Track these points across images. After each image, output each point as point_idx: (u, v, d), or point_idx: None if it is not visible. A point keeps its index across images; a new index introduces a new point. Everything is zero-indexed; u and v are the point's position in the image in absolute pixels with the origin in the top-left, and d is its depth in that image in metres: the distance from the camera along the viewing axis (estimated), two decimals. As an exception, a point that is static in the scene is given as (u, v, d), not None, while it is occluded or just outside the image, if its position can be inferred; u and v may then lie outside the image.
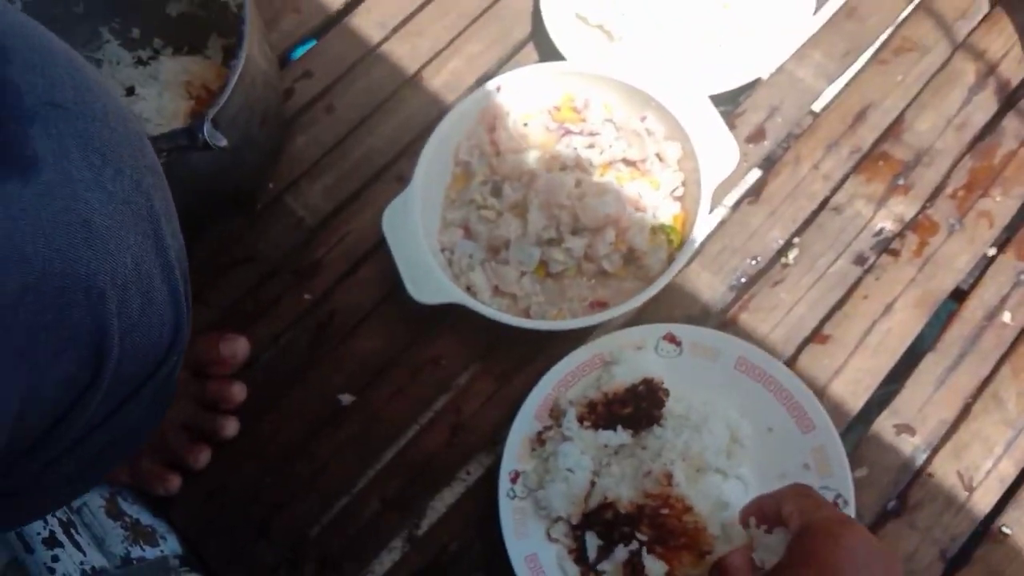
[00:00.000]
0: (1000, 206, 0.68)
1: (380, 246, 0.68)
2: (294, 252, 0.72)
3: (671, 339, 0.62)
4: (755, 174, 0.71)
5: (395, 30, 0.80)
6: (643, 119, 0.66)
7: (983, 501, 0.59)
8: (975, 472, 0.60)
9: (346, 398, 0.67)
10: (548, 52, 0.75)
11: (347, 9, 0.82)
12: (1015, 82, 0.72)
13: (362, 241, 0.71)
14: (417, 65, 0.79)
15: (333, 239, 0.72)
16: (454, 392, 0.67)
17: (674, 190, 0.65)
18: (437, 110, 0.76)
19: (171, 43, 0.79)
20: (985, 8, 0.75)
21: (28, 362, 0.26)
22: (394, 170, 0.75)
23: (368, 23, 0.81)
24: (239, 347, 0.66)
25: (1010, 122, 0.71)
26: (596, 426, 0.59)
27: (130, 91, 0.77)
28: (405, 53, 0.79)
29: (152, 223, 0.30)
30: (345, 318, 0.69)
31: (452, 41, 0.79)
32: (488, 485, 0.62)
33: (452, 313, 0.64)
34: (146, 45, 0.78)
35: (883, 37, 0.75)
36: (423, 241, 0.63)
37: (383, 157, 0.75)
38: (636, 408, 0.59)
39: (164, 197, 0.31)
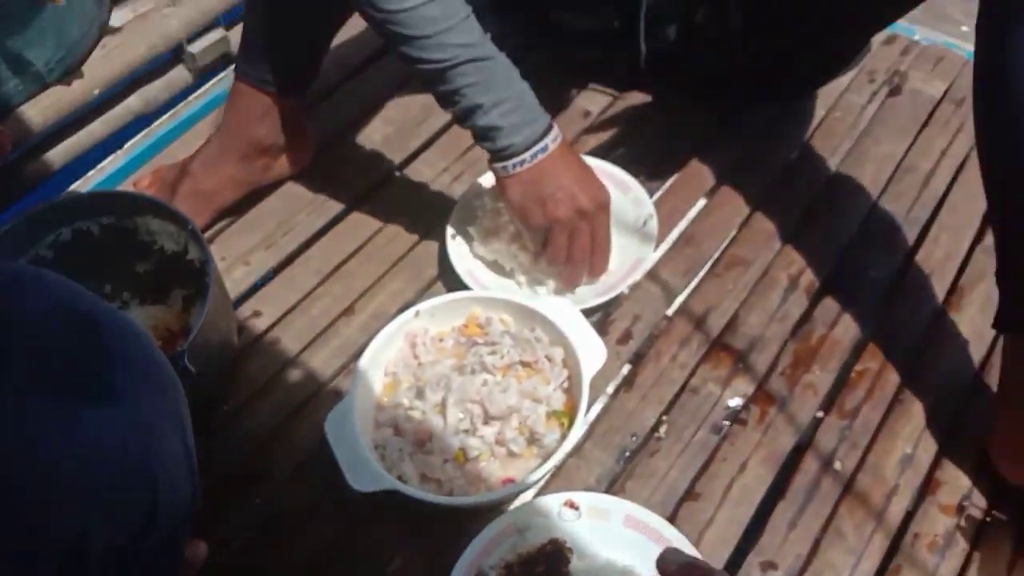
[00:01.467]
0: (820, 379, 0.86)
1: (322, 450, 0.80)
2: (246, 462, 0.83)
3: (571, 505, 0.74)
4: (627, 367, 0.88)
5: (329, 275, 0.98)
6: (533, 330, 0.83)
7: (839, 619, 0.71)
8: (829, 595, 0.72)
9: (295, 589, 0.76)
10: (454, 284, 0.93)
11: (288, 260, 1.00)
12: (817, 284, 0.93)
13: (306, 447, 0.83)
14: (349, 301, 0.95)
15: (280, 447, 0.84)
16: (391, 573, 0.76)
17: (562, 383, 0.81)
18: (367, 336, 0.91)
19: (137, 295, 0.93)
20: (792, 230, 0.98)
21: (117, 517, 0.39)
22: (333, 386, 0.88)
23: (307, 271, 0.98)
24: (198, 551, 0.74)
25: (819, 312, 0.91)
26: (514, 585, 0.70)
27: (102, 337, 0.90)
28: (339, 292, 0.96)
29: (183, 429, 0.44)
30: (292, 516, 0.80)
31: (378, 280, 0.97)
32: (426, 655, 0.71)
33: (387, 501, 0.75)
34: (116, 298, 0.93)
35: (715, 256, 0.97)
36: (361, 439, 0.76)
37: (323, 376, 0.89)
38: (546, 567, 0.70)
39: (186, 409, 0.46)
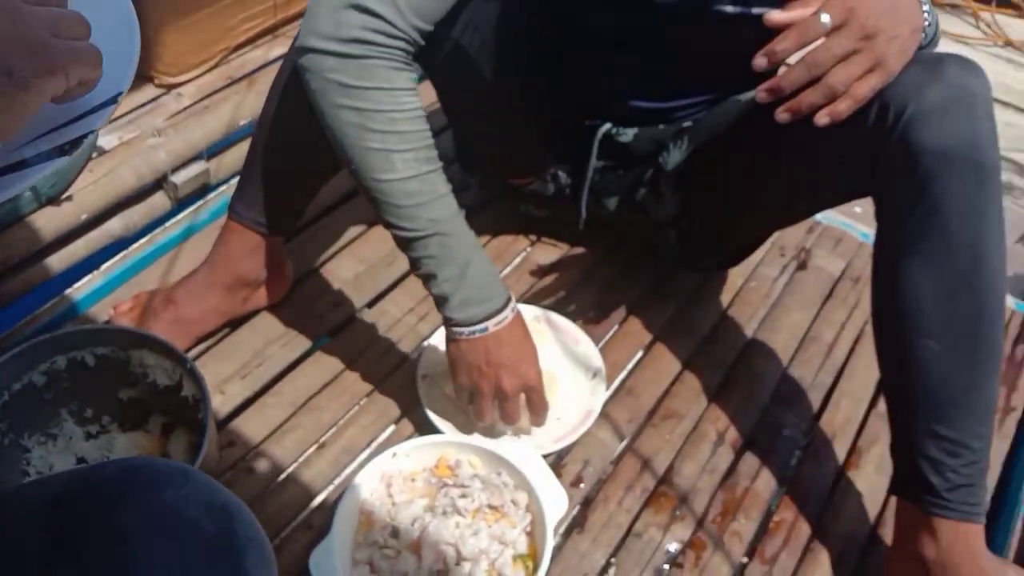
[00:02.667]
0: (744, 527, 0.98)
1: (300, 584, 0.86)
2: (222, 593, 0.87)
3: (534, 643, 0.82)
4: (578, 509, 0.98)
5: (301, 407, 1.04)
6: (499, 474, 0.93)
7: None
8: None
9: None
10: (421, 422, 1.02)
11: (262, 390, 1.06)
12: (741, 440, 1.07)
13: (283, 580, 0.88)
14: (319, 434, 1.02)
15: (258, 580, 0.88)
16: None
17: (525, 527, 0.90)
18: (337, 469, 0.98)
19: (117, 420, 0.97)
20: (717, 388, 1.12)
21: None
22: (304, 519, 0.94)
23: (280, 402, 1.04)
24: None
25: (743, 466, 1.04)
26: None
27: (81, 461, 0.93)
28: (311, 425, 1.03)
29: None
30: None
31: (347, 414, 1.04)
32: None
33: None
34: (95, 422, 0.97)
35: (652, 407, 1.09)
36: (343, 577, 0.82)
37: (294, 510, 0.94)
38: None
39: None
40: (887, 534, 0.98)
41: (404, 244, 0.90)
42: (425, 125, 0.87)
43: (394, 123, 0.84)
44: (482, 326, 0.91)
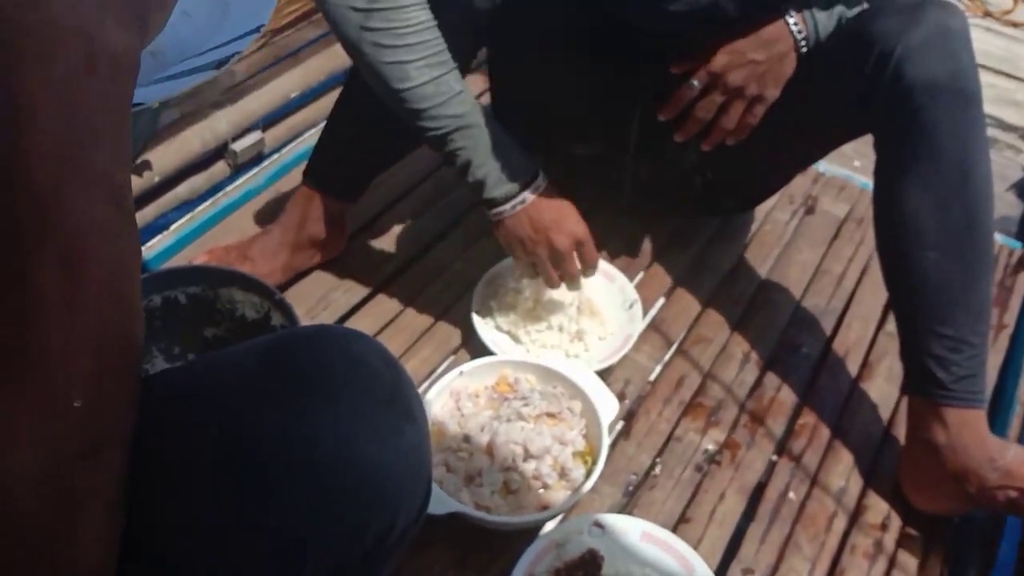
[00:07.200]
0: (772, 430, 1.10)
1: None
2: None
3: (598, 525, 0.93)
4: (622, 423, 1.09)
5: (367, 342, 1.15)
6: (555, 387, 1.03)
7: (804, 610, 0.92)
8: (795, 592, 0.94)
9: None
10: (477, 351, 1.12)
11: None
12: (764, 359, 1.19)
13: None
14: (385, 365, 1.12)
15: (347, 484, 0.99)
16: (448, 586, 0.92)
17: (581, 429, 1.01)
18: (405, 394, 1.09)
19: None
20: (739, 318, 1.24)
21: (411, 508, 0.55)
22: (380, 436, 1.05)
23: (348, 338, 1.15)
24: None
25: (767, 380, 1.16)
26: (561, 586, 0.87)
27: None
28: (377, 357, 1.13)
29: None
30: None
31: (408, 348, 1.15)
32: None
33: (438, 530, 0.91)
34: (183, 358, 1.07)
35: (683, 334, 1.21)
36: (427, 473, 0.93)
37: (372, 427, 1.05)
38: (585, 571, 0.89)
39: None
40: (899, 433, 1.09)
41: (435, 144, 0.98)
42: (434, 35, 0.92)
43: (403, 38, 0.92)
44: (520, 197, 0.99)
